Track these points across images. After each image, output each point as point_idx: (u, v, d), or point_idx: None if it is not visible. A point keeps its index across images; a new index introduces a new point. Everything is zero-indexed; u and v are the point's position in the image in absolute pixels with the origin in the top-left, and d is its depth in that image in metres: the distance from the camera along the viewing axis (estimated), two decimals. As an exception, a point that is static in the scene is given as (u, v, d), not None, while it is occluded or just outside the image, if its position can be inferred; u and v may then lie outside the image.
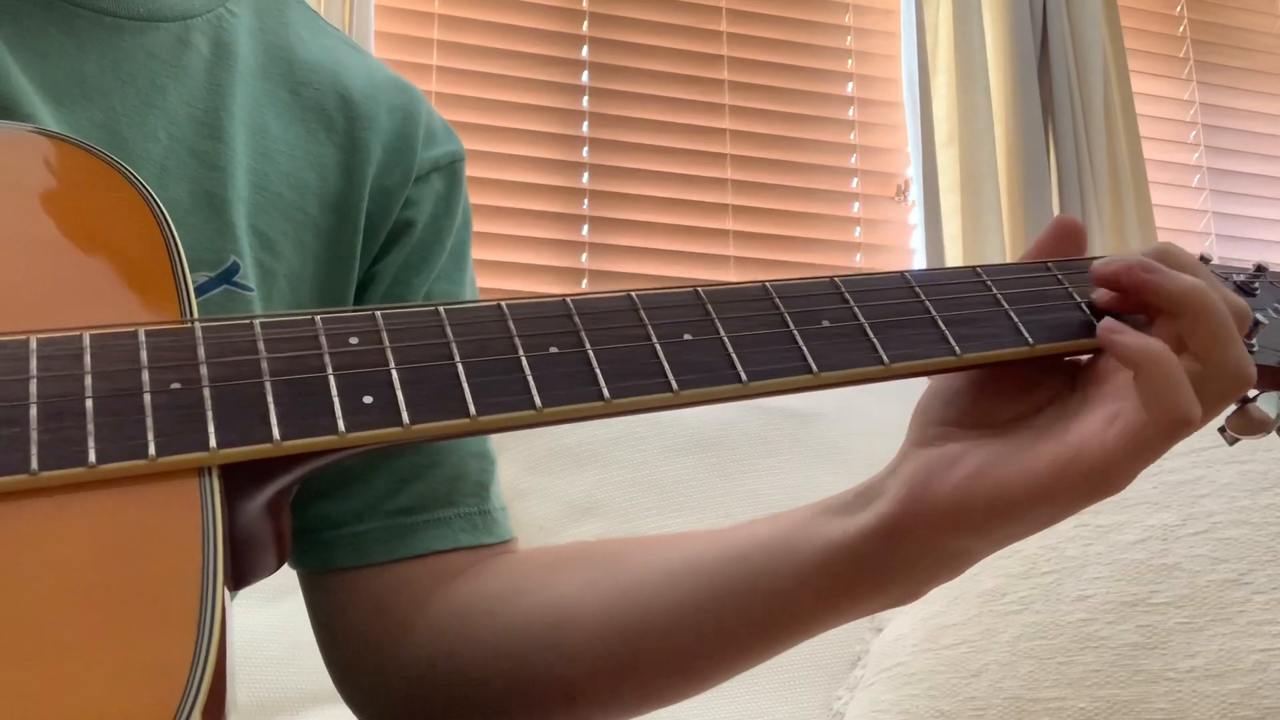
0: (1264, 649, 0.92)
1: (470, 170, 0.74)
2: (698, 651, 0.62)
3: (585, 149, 2.38)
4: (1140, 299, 0.55)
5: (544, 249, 2.32)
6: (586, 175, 2.37)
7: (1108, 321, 0.55)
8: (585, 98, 2.40)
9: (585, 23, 2.43)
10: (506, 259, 2.27)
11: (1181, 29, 2.82)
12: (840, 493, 0.59)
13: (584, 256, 2.33)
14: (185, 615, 0.39)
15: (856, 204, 2.53)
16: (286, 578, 0.72)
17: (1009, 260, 0.97)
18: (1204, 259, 0.58)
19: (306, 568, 0.73)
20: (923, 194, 2.40)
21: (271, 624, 1.17)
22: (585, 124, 2.39)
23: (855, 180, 2.53)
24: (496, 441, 1.37)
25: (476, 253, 2.54)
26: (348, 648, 0.71)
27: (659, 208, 2.39)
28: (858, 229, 2.52)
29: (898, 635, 1.15)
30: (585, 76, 2.41)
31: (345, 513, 0.71)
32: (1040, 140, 2.45)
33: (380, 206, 0.73)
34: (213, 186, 0.66)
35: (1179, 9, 2.83)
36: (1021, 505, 0.53)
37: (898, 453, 0.58)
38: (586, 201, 2.36)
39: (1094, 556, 1.04)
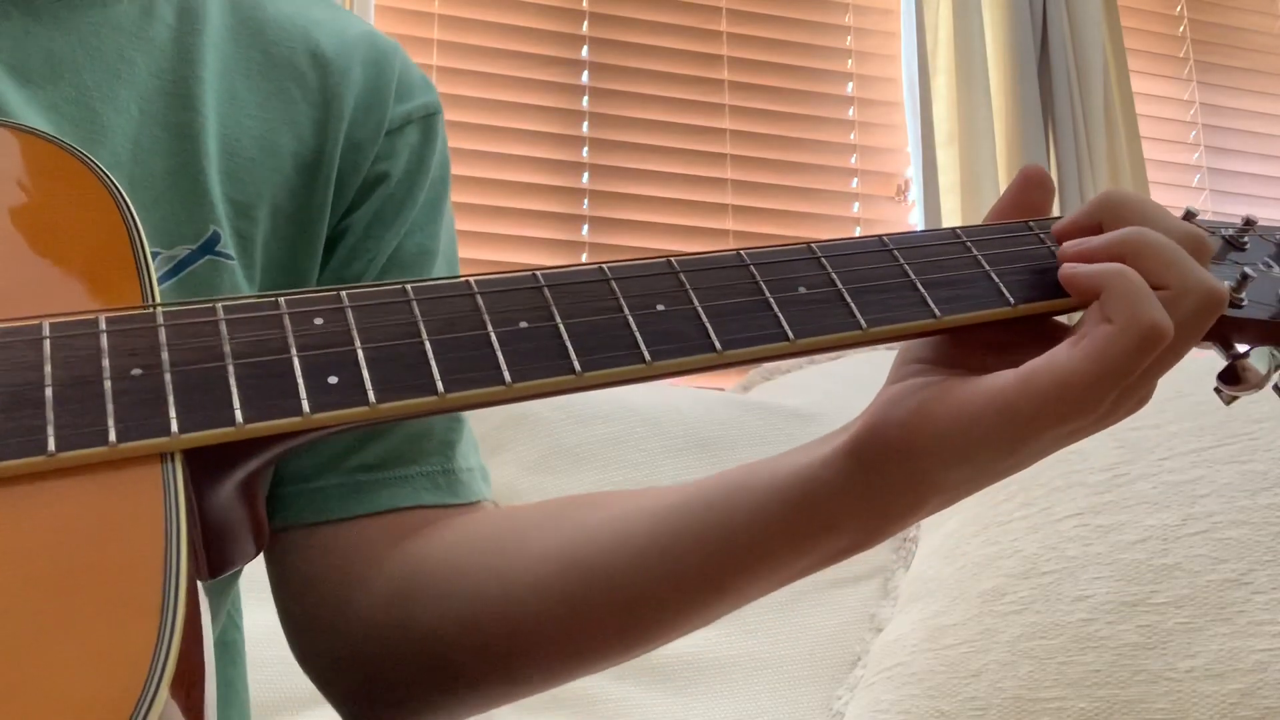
0: (1264, 649, 0.92)
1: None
2: (652, 591, 0.60)
3: (585, 149, 2.38)
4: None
5: (544, 249, 2.31)
6: (586, 175, 2.36)
7: (1066, 266, 0.54)
8: (585, 98, 2.40)
9: (585, 23, 2.43)
10: (506, 259, 2.27)
11: (1181, 29, 2.82)
12: None
13: (584, 256, 2.33)
14: (148, 602, 0.38)
15: (856, 204, 2.53)
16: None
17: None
18: (1189, 214, 0.58)
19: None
20: (923, 194, 2.40)
21: (272, 624, 1.16)
22: (585, 124, 2.38)
23: (855, 180, 2.53)
24: (496, 438, 1.37)
25: (475, 253, 2.51)
26: (303, 605, 0.70)
27: (659, 207, 2.39)
28: (858, 229, 2.51)
29: (898, 635, 1.15)
30: (585, 76, 2.41)
31: (305, 468, 0.69)
32: (1040, 140, 2.44)
33: (350, 161, 0.72)
34: (187, 159, 0.66)
35: (1179, 9, 2.83)
36: (982, 417, 0.51)
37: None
38: (586, 201, 2.35)
39: (1094, 556, 1.03)
